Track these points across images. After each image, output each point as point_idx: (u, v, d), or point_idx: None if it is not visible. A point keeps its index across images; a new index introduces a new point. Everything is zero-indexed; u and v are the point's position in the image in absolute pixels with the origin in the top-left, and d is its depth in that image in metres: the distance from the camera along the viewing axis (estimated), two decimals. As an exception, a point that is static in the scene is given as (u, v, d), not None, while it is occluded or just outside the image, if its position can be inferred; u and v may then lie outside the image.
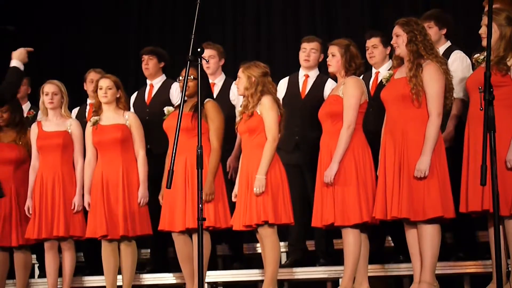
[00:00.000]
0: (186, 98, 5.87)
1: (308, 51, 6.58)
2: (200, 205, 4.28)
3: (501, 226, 4.82)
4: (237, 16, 8.85)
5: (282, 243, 6.30)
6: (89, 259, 7.18)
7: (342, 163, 5.40)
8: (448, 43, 6.14)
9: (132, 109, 6.81)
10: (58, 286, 6.57)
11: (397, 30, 5.26)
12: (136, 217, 6.23)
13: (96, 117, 6.37)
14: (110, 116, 6.36)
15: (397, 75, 5.30)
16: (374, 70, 6.43)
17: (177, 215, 5.89)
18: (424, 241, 5.12)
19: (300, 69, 6.67)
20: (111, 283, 6.32)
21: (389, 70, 5.63)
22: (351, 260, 5.41)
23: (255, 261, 6.62)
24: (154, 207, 6.29)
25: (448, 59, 5.80)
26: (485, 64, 4.14)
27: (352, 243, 5.40)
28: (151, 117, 6.73)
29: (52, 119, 6.58)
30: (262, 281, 5.95)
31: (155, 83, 7.11)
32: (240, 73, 5.83)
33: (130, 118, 6.37)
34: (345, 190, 5.39)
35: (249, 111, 5.72)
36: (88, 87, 7.20)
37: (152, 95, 7.07)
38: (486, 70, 4.05)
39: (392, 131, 5.21)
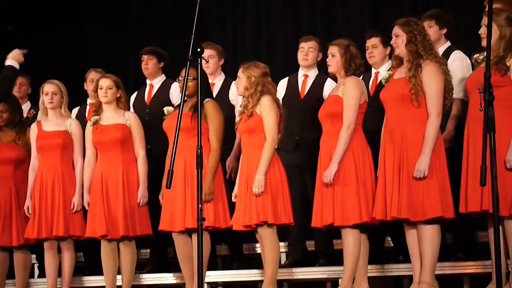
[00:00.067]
0: (185, 98, 5.86)
1: (306, 50, 6.58)
2: (199, 205, 4.28)
3: (500, 227, 4.81)
4: (237, 16, 8.86)
5: (282, 243, 6.31)
6: (89, 259, 7.18)
7: (341, 163, 5.40)
8: (448, 43, 6.15)
9: (132, 109, 6.81)
10: (58, 286, 6.57)
11: (396, 30, 5.26)
12: (136, 217, 6.23)
13: (96, 117, 6.37)
14: (111, 116, 6.36)
15: (397, 75, 5.30)
16: (373, 70, 6.43)
17: (177, 215, 5.89)
18: (423, 241, 5.12)
19: (299, 69, 6.67)
20: (111, 283, 6.32)
21: (388, 70, 5.63)
22: (351, 260, 5.41)
23: (255, 261, 6.62)
24: (154, 207, 6.29)
25: (448, 59, 5.81)
26: (485, 64, 4.13)
27: (352, 243, 5.40)
28: (151, 117, 6.73)
29: (52, 119, 6.58)
30: (261, 281, 5.95)
31: (155, 83, 7.11)
32: (240, 73, 5.83)
33: (130, 118, 6.37)
34: (344, 190, 5.39)
35: (248, 111, 5.72)
36: (89, 86, 7.21)
37: (152, 95, 7.07)
38: (486, 70, 4.05)
39: (391, 132, 5.21)
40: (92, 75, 7.20)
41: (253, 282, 6.52)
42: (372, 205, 5.34)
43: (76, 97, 7.31)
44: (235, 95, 6.66)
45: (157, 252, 7.00)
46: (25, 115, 7.46)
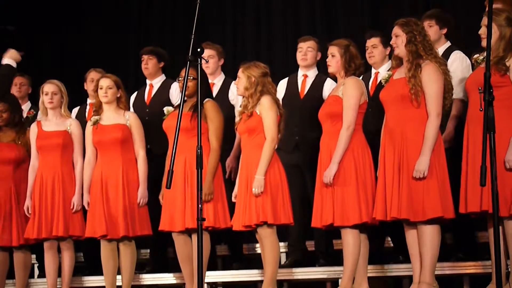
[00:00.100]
0: (185, 98, 5.86)
1: (304, 50, 6.59)
2: (199, 205, 4.28)
3: (500, 227, 4.81)
4: (237, 16, 8.86)
5: (281, 244, 6.31)
6: (89, 259, 7.18)
7: (341, 164, 5.39)
8: (448, 43, 6.15)
9: (131, 109, 6.81)
10: (58, 286, 6.57)
11: (396, 30, 5.26)
12: (136, 217, 6.23)
13: (96, 117, 6.37)
14: (111, 116, 6.36)
15: (396, 75, 5.30)
16: (373, 71, 6.43)
17: (177, 215, 5.89)
18: (423, 241, 5.12)
19: (299, 69, 6.67)
20: (111, 283, 6.32)
21: (388, 70, 5.63)
22: (350, 261, 5.40)
23: (255, 262, 6.61)
24: (154, 207, 6.29)
25: (448, 59, 5.82)
26: (485, 64, 4.13)
27: (351, 243, 5.40)
28: (151, 117, 6.73)
29: (52, 119, 6.58)
30: (261, 281, 5.95)
31: (154, 83, 7.11)
32: (240, 73, 5.83)
33: (130, 118, 6.37)
34: (344, 191, 5.39)
35: (248, 111, 5.72)
36: (89, 86, 7.21)
37: (152, 95, 7.07)
38: (486, 71, 4.05)
39: (391, 132, 5.21)
40: (92, 75, 7.20)
41: (253, 282, 6.52)
42: (372, 205, 5.34)
43: (76, 97, 7.31)
44: (235, 95, 6.66)
45: (157, 252, 7.00)
46: (25, 115, 7.47)
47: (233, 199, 5.90)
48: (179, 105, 5.36)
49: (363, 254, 5.49)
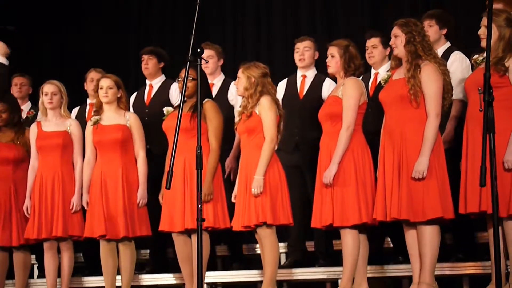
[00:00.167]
0: (185, 98, 5.86)
1: (301, 50, 6.59)
2: (199, 206, 4.27)
3: (500, 227, 4.80)
4: (237, 16, 8.85)
5: (281, 244, 6.30)
6: (88, 260, 7.18)
7: (341, 164, 5.39)
8: (448, 44, 6.15)
9: (131, 110, 6.80)
10: (57, 287, 6.57)
11: (395, 30, 5.26)
12: (135, 217, 6.22)
13: (97, 117, 6.37)
14: (111, 116, 6.35)
15: (396, 76, 5.30)
16: (373, 71, 6.43)
17: (176, 216, 5.88)
18: (423, 242, 5.11)
19: (298, 70, 6.68)
20: (110, 284, 6.31)
21: (387, 71, 5.62)
22: (350, 261, 5.40)
23: (255, 262, 6.61)
24: (154, 208, 6.29)
25: (447, 60, 5.82)
26: (485, 65, 4.13)
27: (351, 244, 5.39)
28: (151, 118, 6.73)
29: (52, 119, 6.58)
30: (261, 281, 5.95)
31: (154, 83, 7.11)
32: (240, 73, 5.83)
33: (131, 119, 6.36)
34: (344, 191, 5.38)
35: (248, 112, 5.72)
36: (89, 86, 7.21)
37: (152, 95, 7.07)
38: (485, 71, 4.05)
39: (390, 132, 5.21)
40: (92, 75, 7.20)
41: (252, 282, 6.51)
42: (371, 206, 5.34)
43: (76, 97, 7.31)
44: (234, 96, 6.66)
45: (157, 253, 7.00)
46: (25, 115, 7.48)
47: (233, 200, 5.90)
48: (178, 106, 5.36)
49: (363, 254, 5.49)
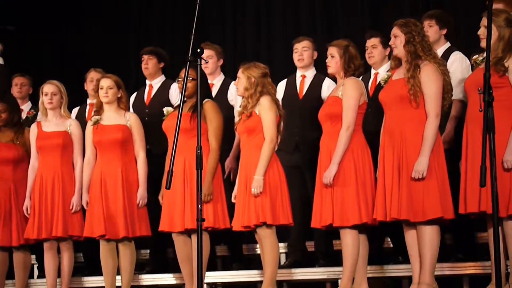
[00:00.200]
0: (185, 98, 5.86)
1: (300, 50, 6.60)
2: (199, 206, 4.27)
3: (500, 227, 4.80)
4: (237, 16, 8.85)
5: (281, 244, 6.30)
6: (88, 260, 7.18)
7: (341, 164, 5.39)
8: (448, 44, 6.15)
9: (131, 110, 6.80)
10: (57, 287, 6.57)
11: (395, 31, 5.26)
12: (135, 218, 6.22)
13: (97, 117, 6.37)
14: (111, 116, 6.35)
15: (395, 76, 5.30)
16: (373, 71, 6.43)
17: (176, 216, 5.88)
18: (423, 242, 5.11)
19: (297, 70, 6.68)
20: (110, 284, 6.31)
21: (387, 71, 5.62)
22: (350, 261, 5.40)
23: (254, 262, 6.61)
24: (154, 208, 6.28)
25: (447, 60, 5.82)
26: (485, 65, 4.13)
27: (350, 244, 5.39)
28: (151, 118, 6.73)
29: (52, 119, 6.58)
30: (261, 281, 5.95)
31: (154, 83, 7.11)
32: (240, 73, 5.82)
33: (131, 119, 6.36)
34: (344, 191, 5.38)
35: (248, 112, 5.72)
36: (88, 86, 7.21)
37: (152, 95, 7.07)
38: (485, 71, 4.04)
39: (390, 132, 5.21)
40: (92, 74, 7.21)
41: (252, 282, 6.51)
42: (371, 206, 5.34)
43: (76, 97, 7.31)
44: (234, 96, 6.67)
45: (157, 253, 7.00)
46: (26, 115, 7.48)
47: (233, 200, 5.90)
48: (178, 106, 5.36)
49: (363, 254, 5.49)
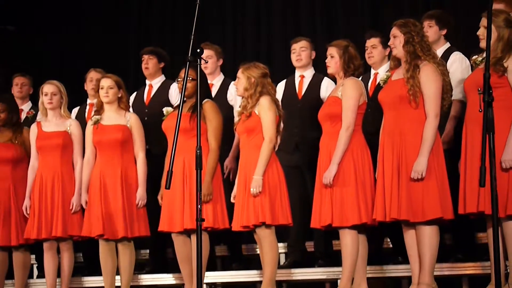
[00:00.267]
0: (185, 98, 5.86)
1: (298, 51, 6.60)
2: (199, 206, 4.27)
3: (499, 228, 4.80)
4: (237, 16, 8.85)
5: (281, 244, 6.30)
6: (88, 260, 7.18)
7: (341, 164, 5.39)
8: (448, 44, 6.14)
9: (131, 110, 6.80)
10: (57, 287, 6.56)
11: (394, 31, 5.26)
12: (134, 218, 6.22)
13: (97, 116, 6.37)
14: (112, 116, 6.35)
15: (395, 76, 5.30)
16: (372, 71, 6.43)
17: (176, 216, 5.88)
18: (422, 242, 5.11)
19: (296, 70, 6.68)
20: (110, 284, 6.31)
21: (387, 71, 5.62)
22: (349, 262, 5.40)
23: (254, 262, 6.61)
24: (153, 208, 6.28)
25: (447, 60, 5.82)
26: (484, 65, 4.13)
27: (350, 244, 5.39)
28: (150, 118, 6.73)
29: (52, 119, 6.58)
30: (260, 282, 5.94)
31: (154, 83, 7.11)
32: (240, 73, 5.82)
33: (131, 119, 6.36)
34: (343, 191, 5.38)
35: (247, 112, 5.72)
36: (88, 86, 7.21)
37: (151, 95, 7.07)
38: (485, 71, 4.04)
39: (390, 133, 5.21)
40: (92, 74, 7.21)
41: (252, 282, 6.51)
42: (371, 206, 5.34)
43: (76, 97, 7.31)
44: (233, 96, 6.67)
45: (157, 253, 7.00)
46: (26, 115, 7.49)
47: (232, 200, 5.89)
48: (178, 106, 5.35)
49: (362, 255, 5.48)
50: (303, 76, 6.63)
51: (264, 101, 5.69)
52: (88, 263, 7.20)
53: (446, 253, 5.88)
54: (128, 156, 6.31)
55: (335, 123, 5.47)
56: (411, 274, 5.27)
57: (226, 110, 6.44)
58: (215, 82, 6.92)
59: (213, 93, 6.62)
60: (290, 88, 6.64)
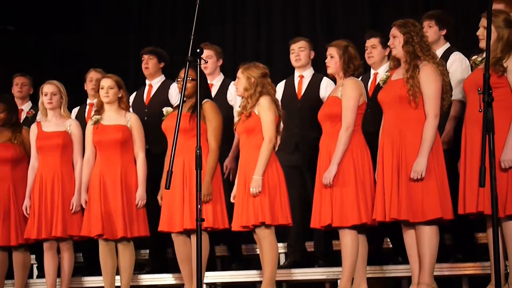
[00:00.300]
0: (185, 98, 5.86)
1: (296, 51, 6.61)
2: (199, 206, 4.27)
3: (499, 228, 4.79)
4: (237, 16, 8.85)
5: (281, 244, 6.30)
6: (88, 260, 7.18)
7: (340, 165, 5.39)
8: (448, 45, 6.14)
9: (131, 110, 6.80)
10: (57, 287, 6.57)
11: (394, 31, 5.26)
12: (133, 218, 6.22)
13: (97, 116, 6.37)
14: (112, 116, 6.35)
15: (394, 76, 5.30)
16: (372, 71, 6.43)
17: (176, 216, 5.88)
18: (422, 242, 5.11)
19: (295, 70, 6.68)
20: (109, 284, 6.31)
21: (386, 71, 5.62)
22: (349, 262, 5.40)
23: (254, 262, 6.61)
24: (153, 208, 6.28)
25: (447, 61, 5.82)
26: (484, 65, 4.13)
27: (350, 244, 5.39)
28: (150, 118, 6.73)
29: (52, 119, 6.58)
30: (260, 282, 5.94)
31: (154, 83, 7.11)
32: (240, 74, 5.82)
33: (131, 119, 6.36)
34: (343, 191, 5.38)
35: (247, 112, 5.72)
36: (88, 86, 7.21)
37: (151, 95, 7.07)
38: (485, 72, 4.04)
39: (389, 133, 5.21)
40: (91, 74, 7.21)
41: (252, 283, 6.51)
42: (371, 206, 5.33)
43: (76, 97, 7.31)
44: (233, 96, 6.66)
45: (156, 253, 7.00)
46: (26, 115, 7.48)
47: (232, 200, 5.89)
48: (178, 106, 5.35)
49: (362, 255, 5.48)
50: (302, 76, 6.63)
51: (264, 101, 5.69)
52: (88, 263, 7.20)
53: (446, 253, 5.88)
54: (128, 156, 6.31)
55: (335, 123, 5.47)
56: (411, 274, 5.27)
57: (226, 110, 6.44)
58: (215, 82, 6.92)
59: (213, 93, 6.62)
60: (289, 88, 6.64)
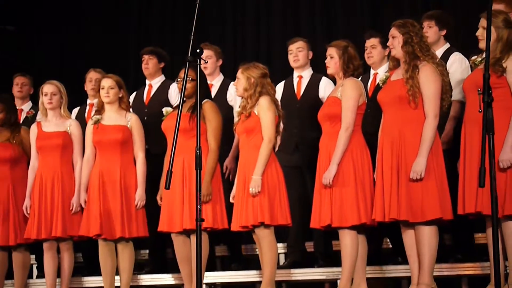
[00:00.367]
0: (184, 98, 5.86)
1: (294, 51, 6.61)
2: (198, 206, 4.27)
3: (498, 228, 4.80)
4: (237, 16, 8.85)
5: (280, 244, 6.30)
6: (88, 260, 7.18)
7: (340, 165, 5.39)
8: (447, 45, 6.14)
9: (131, 110, 6.80)
10: (57, 287, 6.57)
11: (393, 31, 5.26)
12: (132, 218, 6.22)
13: (98, 116, 6.37)
14: (112, 116, 6.35)
15: (394, 77, 5.30)
16: (372, 72, 6.43)
17: (175, 216, 5.88)
18: (422, 242, 5.11)
19: (294, 71, 6.68)
20: (109, 284, 6.31)
21: (386, 72, 5.62)
22: (349, 262, 5.40)
23: (253, 262, 6.61)
24: (153, 208, 6.28)
25: (447, 61, 5.82)
26: (484, 65, 4.13)
27: (349, 244, 5.39)
28: (150, 118, 6.73)
29: (52, 119, 6.59)
30: (260, 282, 5.94)
31: (154, 83, 7.11)
32: (239, 74, 5.82)
33: (131, 120, 6.36)
34: (343, 192, 5.38)
35: (247, 112, 5.72)
36: (88, 86, 7.21)
37: (151, 95, 7.07)
38: (485, 72, 4.04)
39: (389, 133, 5.21)
40: (91, 74, 7.21)
41: (251, 283, 6.51)
42: (370, 207, 5.34)
43: (76, 97, 7.31)
44: (233, 96, 6.67)
45: (156, 253, 7.00)
46: (25, 115, 7.49)
47: (231, 200, 5.89)
48: (178, 106, 5.35)
49: (362, 255, 5.48)
50: (301, 77, 6.63)
51: (264, 101, 5.69)
52: (87, 263, 7.20)
53: (446, 254, 5.88)
54: (127, 157, 6.31)
55: (335, 124, 5.47)
56: (410, 275, 5.27)
57: (225, 110, 6.45)
58: (215, 82, 6.92)
59: (213, 94, 6.62)
60: (288, 89, 6.64)
